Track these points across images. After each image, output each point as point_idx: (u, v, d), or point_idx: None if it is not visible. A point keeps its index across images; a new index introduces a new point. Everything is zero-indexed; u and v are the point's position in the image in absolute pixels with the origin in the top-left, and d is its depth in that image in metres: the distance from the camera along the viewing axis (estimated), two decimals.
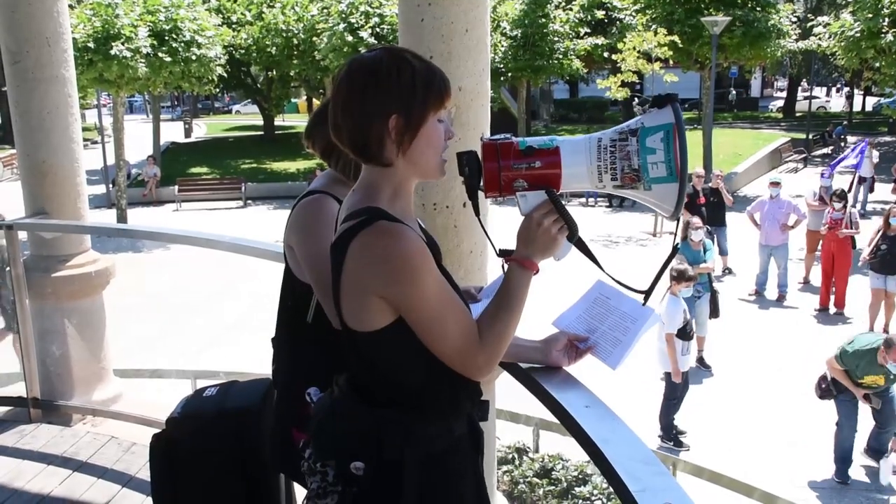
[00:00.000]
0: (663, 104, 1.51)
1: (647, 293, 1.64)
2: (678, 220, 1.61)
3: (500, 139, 1.54)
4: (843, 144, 27.57)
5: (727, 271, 12.59)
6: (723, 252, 12.19)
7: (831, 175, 13.13)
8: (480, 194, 1.56)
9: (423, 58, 1.54)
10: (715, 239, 11.80)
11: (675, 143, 1.47)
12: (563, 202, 1.54)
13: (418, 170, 1.54)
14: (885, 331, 9.81)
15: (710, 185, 12.32)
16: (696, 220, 9.14)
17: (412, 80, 1.47)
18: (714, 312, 9.02)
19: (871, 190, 18.54)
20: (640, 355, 7.00)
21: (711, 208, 11.87)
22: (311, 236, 1.90)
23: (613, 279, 1.70)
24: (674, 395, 7.25)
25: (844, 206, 10.72)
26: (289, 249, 1.99)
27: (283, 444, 2.02)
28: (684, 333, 7.10)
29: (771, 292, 11.56)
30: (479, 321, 1.52)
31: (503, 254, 1.57)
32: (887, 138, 31.85)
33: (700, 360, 8.89)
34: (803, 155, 26.41)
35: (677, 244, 1.67)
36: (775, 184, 11.45)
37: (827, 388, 6.66)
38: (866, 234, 11.03)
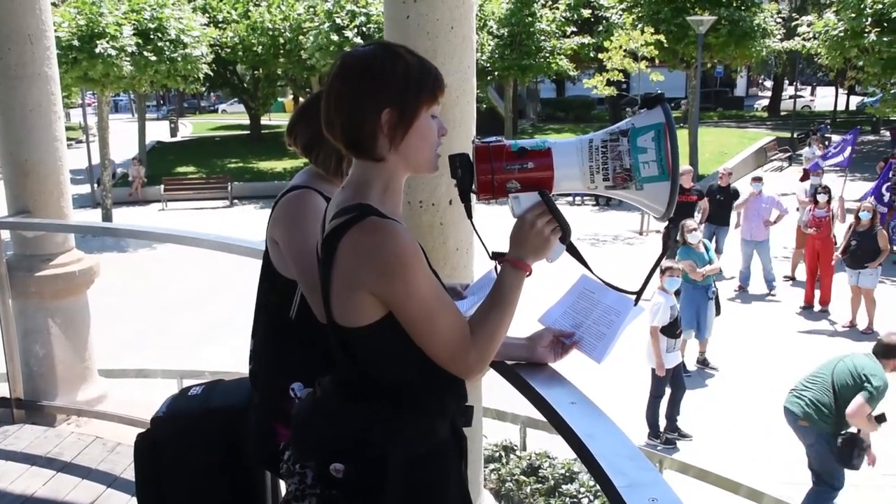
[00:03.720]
0: (653, 105, 1.52)
1: (638, 294, 1.65)
2: (668, 225, 1.61)
3: (492, 141, 1.54)
4: (826, 143, 27.74)
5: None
6: (718, 250, 12.24)
7: (820, 171, 13.21)
8: (473, 196, 1.56)
9: (417, 53, 1.54)
10: (715, 237, 11.83)
11: (666, 143, 1.48)
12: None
13: (410, 165, 1.54)
14: (870, 329, 9.92)
15: (718, 182, 12.29)
16: (690, 222, 9.13)
17: (405, 75, 1.47)
18: (716, 310, 9.03)
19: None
20: (629, 351, 7.05)
21: (718, 206, 11.82)
22: (297, 231, 1.90)
23: (604, 282, 1.70)
24: (659, 392, 7.27)
25: (829, 202, 10.80)
26: (272, 244, 1.98)
27: (266, 441, 2.02)
28: (672, 331, 7.11)
29: (754, 288, 11.64)
30: (471, 320, 1.52)
31: (496, 256, 1.57)
32: (870, 137, 32.09)
33: (703, 361, 8.93)
34: (788, 154, 26.58)
35: (669, 242, 1.69)
36: (757, 179, 11.55)
37: (865, 447, 5.43)
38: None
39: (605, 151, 1.50)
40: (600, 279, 1.71)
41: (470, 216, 1.62)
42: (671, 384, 7.28)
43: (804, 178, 15.18)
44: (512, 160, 1.52)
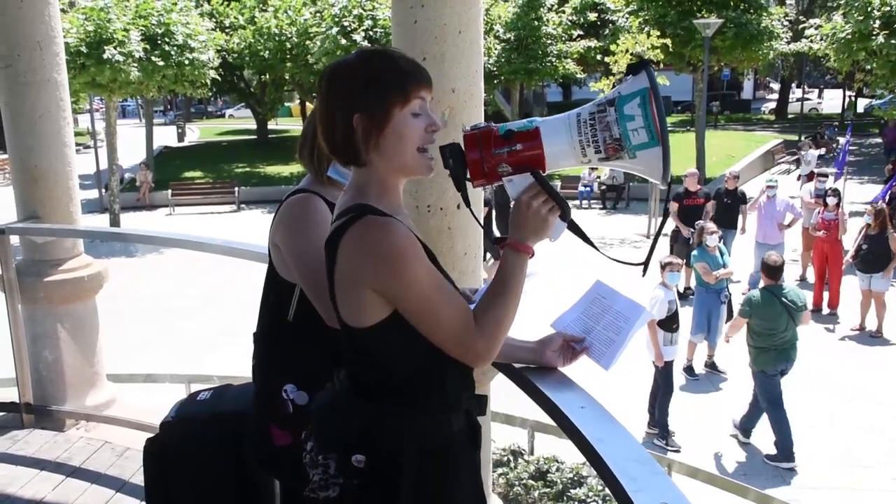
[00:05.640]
0: (637, 71, 1.50)
1: (645, 265, 1.64)
2: (669, 186, 1.59)
3: (479, 127, 1.54)
4: (835, 146, 27.64)
5: None
6: None
7: (841, 175, 13.20)
8: (469, 185, 1.57)
9: (393, 54, 1.55)
10: (722, 241, 11.74)
11: (652, 107, 1.46)
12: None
13: (395, 166, 1.54)
14: (879, 332, 9.88)
15: (725, 185, 12.20)
16: (711, 225, 9.11)
17: (368, 79, 1.49)
18: (728, 315, 8.98)
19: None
20: (640, 355, 7.03)
21: (725, 209, 11.66)
22: (298, 234, 1.90)
23: (607, 256, 1.69)
24: (668, 388, 7.25)
25: (838, 205, 10.75)
26: (274, 247, 1.99)
27: (262, 442, 2.03)
28: (669, 325, 7.11)
29: None
30: (477, 308, 1.53)
31: (498, 241, 1.58)
32: (877, 140, 31.93)
33: (712, 365, 8.90)
34: (795, 156, 26.49)
35: (667, 208, 1.67)
36: (771, 185, 11.50)
37: None
38: (853, 234, 11.09)
39: (593, 123, 1.49)
40: (604, 253, 1.70)
41: (468, 204, 1.62)
42: None
43: (811, 177, 15.20)
44: (500, 144, 1.52)
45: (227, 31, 27.32)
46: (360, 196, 1.53)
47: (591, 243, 1.64)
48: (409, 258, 1.45)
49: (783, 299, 6.81)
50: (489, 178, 1.53)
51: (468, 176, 1.54)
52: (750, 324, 6.92)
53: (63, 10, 15.45)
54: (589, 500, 5.33)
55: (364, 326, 1.51)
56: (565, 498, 5.41)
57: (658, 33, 18.81)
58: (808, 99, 40.42)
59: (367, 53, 1.55)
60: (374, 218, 1.47)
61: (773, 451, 6.86)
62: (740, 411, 7.39)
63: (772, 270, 6.94)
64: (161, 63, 17.78)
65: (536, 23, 23.76)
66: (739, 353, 9.24)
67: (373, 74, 1.50)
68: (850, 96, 37.45)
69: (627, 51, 18.19)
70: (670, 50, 19.65)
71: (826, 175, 13.09)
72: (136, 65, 17.30)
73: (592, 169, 20.64)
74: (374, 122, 1.49)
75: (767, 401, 6.93)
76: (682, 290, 11.48)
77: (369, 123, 1.49)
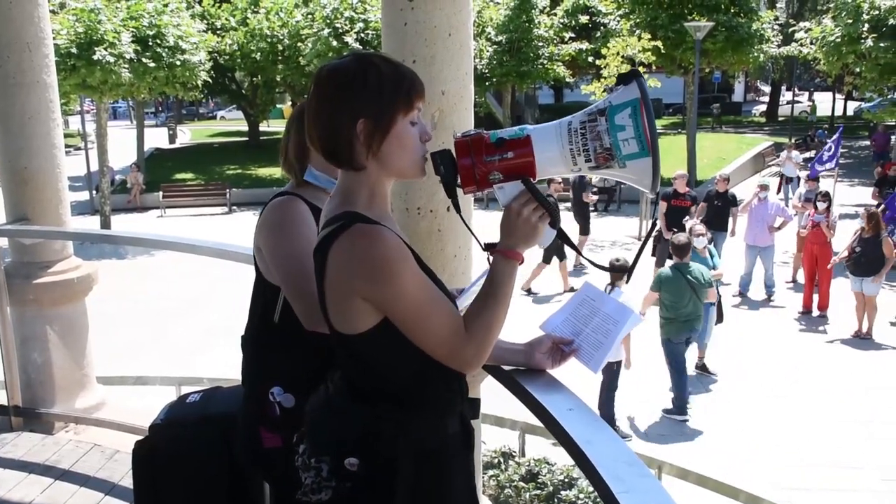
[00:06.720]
0: (629, 80, 1.51)
1: (629, 272, 1.67)
2: (657, 197, 1.62)
3: (471, 134, 1.55)
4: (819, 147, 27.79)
5: None
6: None
7: (816, 177, 13.26)
8: (460, 191, 1.57)
9: (393, 61, 1.56)
10: (713, 243, 11.75)
11: (642, 118, 1.47)
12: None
13: (391, 172, 1.55)
14: (868, 334, 9.92)
15: (715, 188, 12.21)
16: (700, 227, 9.11)
17: (378, 85, 1.49)
18: (719, 317, 8.99)
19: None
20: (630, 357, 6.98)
21: (715, 212, 11.67)
22: (279, 237, 1.91)
23: (593, 263, 1.72)
24: (613, 386, 7.36)
25: (828, 208, 10.80)
26: (258, 251, 1.99)
27: (251, 444, 2.03)
28: None
29: (754, 293, 11.63)
30: (467, 314, 1.54)
31: (488, 247, 1.59)
32: (866, 142, 32.09)
33: (702, 367, 8.90)
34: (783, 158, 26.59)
35: (656, 218, 1.70)
36: (764, 187, 11.55)
37: None
38: (841, 237, 11.14)
39: (584, 133, 1.50)
40: (590, 261, 1.73)
41: (458, 210, 1.63)
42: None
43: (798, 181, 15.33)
44: (491, 152, 1.52)
45: (218, 32, 27.22)
46: (349, 202, 1.53)
47: (577, 251, 1.66)
48: (399, 267, 1.45)
49: (688, 276, 7.59)
50: (480, 185, 1.54)
51: (459, 182, 1.54)
52: (661, 297, 7.72)
53: (53, 12, 15.39)
54: (579, 501, 5.34)
55: (355, 333, 1.51)
56: (556, 500, 5.42)
57: (649, 36, 18.87)
58: (798, 102, 40.58)
59: (368, 58, 1.54)
60: (363, 226, 1.46)
61: (670, 406, 7.77)
62: (727, 409, 7.40)
63: (678, 249, 7.73)
64: (152, 65, 17.69)
65: (528, 25, 23.78)
66: (731, 355, 9.31)
67: (382, 80, 1.49)
68: (812, 101, 37.89)
69: (618, 54, 18.24)
70: (661, 52, 19.72)
71: (816, 179, 13.19)
72: (126, 66, 17.21)
73: None
74: (378, 129, 1.49)
75: (672, 365, 7.77)
76: None
77: (374, 129, 1.49)
